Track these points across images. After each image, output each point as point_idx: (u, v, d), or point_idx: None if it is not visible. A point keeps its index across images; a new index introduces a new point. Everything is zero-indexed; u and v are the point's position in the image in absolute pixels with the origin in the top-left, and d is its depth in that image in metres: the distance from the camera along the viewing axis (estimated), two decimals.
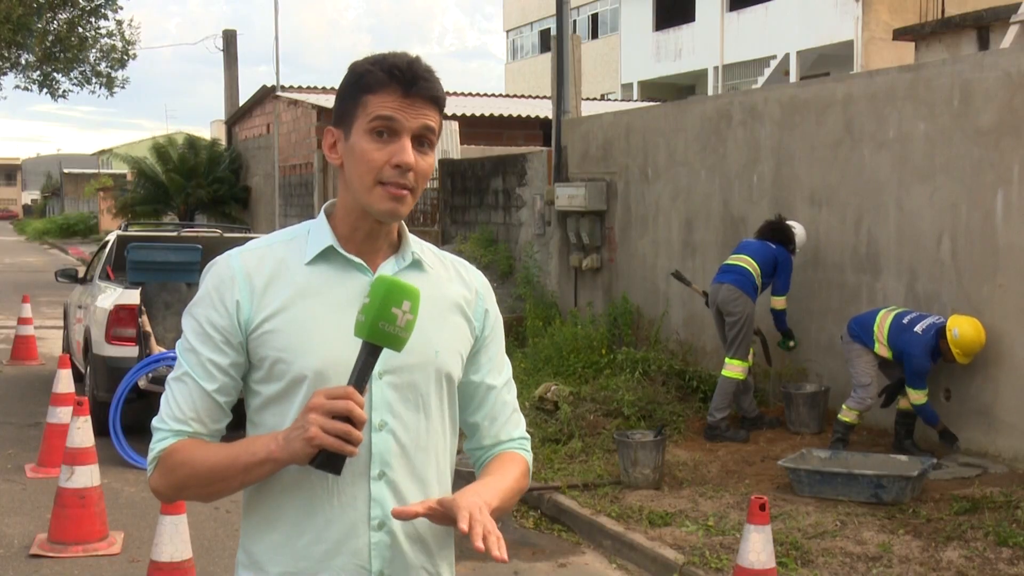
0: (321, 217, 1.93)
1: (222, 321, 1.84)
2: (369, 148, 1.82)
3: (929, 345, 6.94)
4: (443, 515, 1.77)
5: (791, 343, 8.38)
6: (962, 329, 6.91)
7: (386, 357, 1.81)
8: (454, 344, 1.94)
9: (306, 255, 1.88)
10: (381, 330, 1.71)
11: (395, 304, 1.71)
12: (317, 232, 1.91)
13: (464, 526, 1.70)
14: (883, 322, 7.20)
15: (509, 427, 2.04)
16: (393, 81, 1.82)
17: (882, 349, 7.18)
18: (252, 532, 1.90)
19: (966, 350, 6.94)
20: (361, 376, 1.74)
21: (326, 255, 1.88)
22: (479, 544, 1.69)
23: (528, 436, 2.08)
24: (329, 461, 1.72)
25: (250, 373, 1.88)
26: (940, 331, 6.97)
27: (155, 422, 1.87)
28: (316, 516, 1.84)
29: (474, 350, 1.99)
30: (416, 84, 1.82)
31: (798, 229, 8.29)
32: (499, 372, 2.03)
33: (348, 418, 1.69)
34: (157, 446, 1.85)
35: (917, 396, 7.03)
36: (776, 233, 8.18)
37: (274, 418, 1.86)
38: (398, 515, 1.78)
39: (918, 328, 7.00)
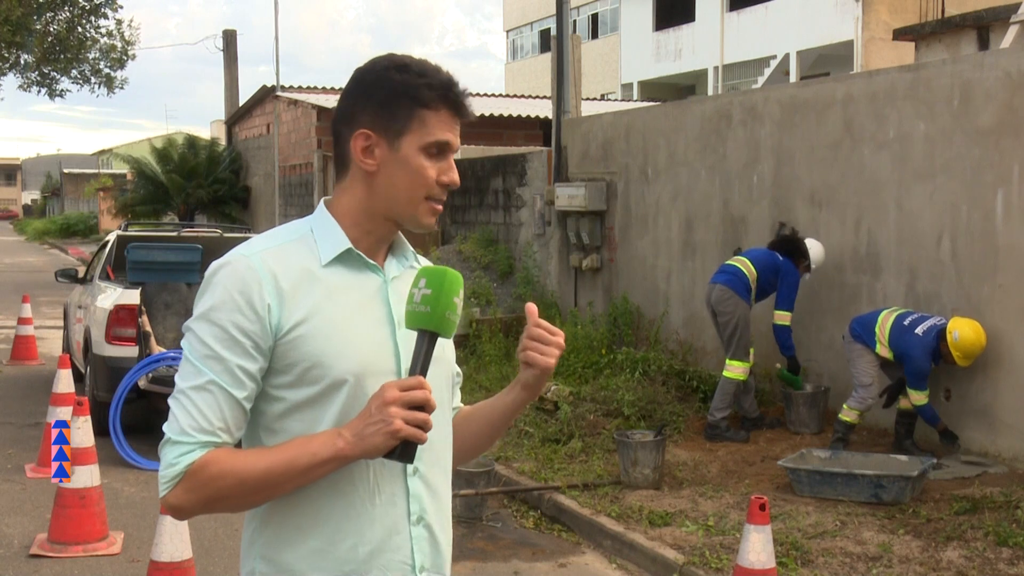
0: (327, 215, 1.90)
1: (252, 326, 1.78)
2: (426, 165, 1.86)
3: (930, 347, 6.94)
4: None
5: (795, 378, 8.13)
6: (962, 332, 6.91)
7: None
8: (450, 340, 1.99)
9: (321, 256, 1.86)
10: (447, 319, 1.77)
11: (455, 293, 1.77)
12: (327, 232, 1.88)
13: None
14: (884, 323, 7.20)
15: (458, 398, 2.16)
16: (447, 100, 1.86)
17: (883, 350, 7.18)
18: (279, 540, 1.85)
19: (966, 353, 6.94)
20: (424, 365, 1.78)
21: (342, 257, 1.87)
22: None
23: None
24: (406, 451, 1.75)
25: (271, 378, 1.82)
26: (940, 333, 6.97)
27: (173, 435, 1.76)
28: (359, 518, 1.83)
29: None
30: (464, 105, 1.89)
31: (814, 247, 8.12)
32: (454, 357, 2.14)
33: (421, 407, 1.74)
34: (182, 460, 1.75)
35: (918, 397, 7.03)
36: (786, 245, 8.07)
37: (301, 424, 1.82)
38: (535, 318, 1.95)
39: (919, 330, 7.00)
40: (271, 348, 1.80)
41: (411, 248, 2.00)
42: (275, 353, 1.80)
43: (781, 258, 8.04)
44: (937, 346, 6.96)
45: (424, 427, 1.73)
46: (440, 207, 1.90)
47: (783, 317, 8.03)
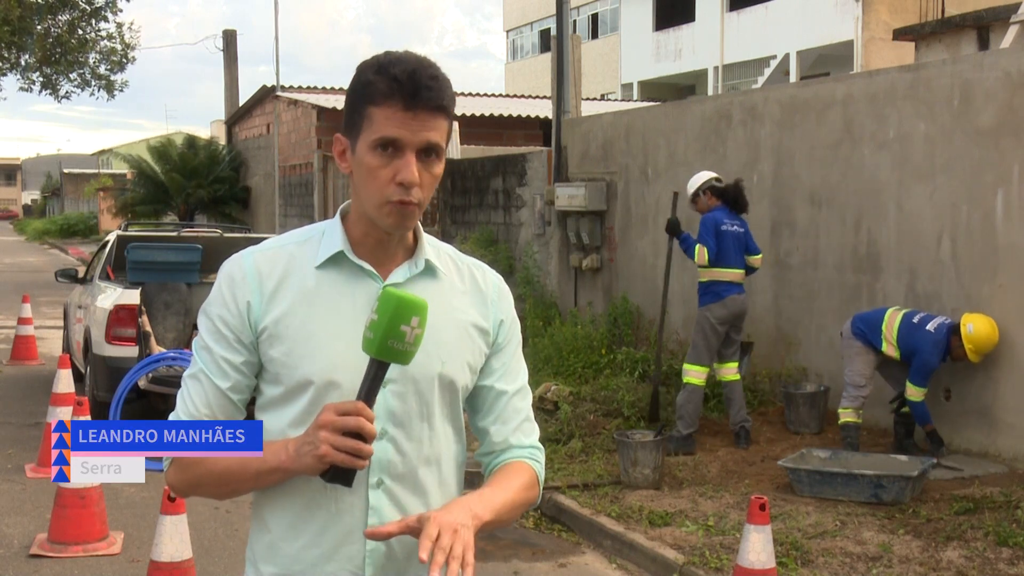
0: (336, 219, 1.91)
1: (234, 320, 1.85)
2: (375, 165, 1.79)
3: (941, 344, 6.91)
4: (419, 532, 1.72)
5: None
6: (977, 325, 6.89)
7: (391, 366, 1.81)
8: (462, 355, 1.91)
9: (317, 258, 1.87)
10: (390, 348, 1.71)
11: (404, 321, 1.69)
12: (330, 235, 1.89)
13: (423, 555, 1.64)
14: (892, 321, 7.17)
15: (519, 434, 1.98)
16: (395, 93, 1.76)
17: (890, 349, 7.15)
18: (254, 530, 1.93)
19: (979, 347, 6.91)
20: (371, 391, 1.74)
21: (336, 260, 1.87)
22: (435, 574, 1.63)
23: (541, 447, 2.02)
24: (340, 475, 1.73)
25: (261, 372, 1.89)
26: (952, 328, 6.95)
27: (171, 417, 1.88)
28: (312, 521, 1.84)
29: (487, 357, 1.97)
30: (418, 96, 1.76)
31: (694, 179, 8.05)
32: (512, 378, 1.99)
33: (358, 433, 1.71)
34: None
35: (915, 392, 6.99)
36: (727, 201, 7.95)
37: (272, 420, 1.86)
38: (371, 535, 1.77)
39: (930, 326, 6.98)
40: (253, 344, 1.86)
41: (430, 252, 1.92)
42: (259, 350, 1.86)
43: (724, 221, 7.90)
44: (948, 341, 6.93)
45: (359, 454, 1.70)
46: (407, 208, 1.79)
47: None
